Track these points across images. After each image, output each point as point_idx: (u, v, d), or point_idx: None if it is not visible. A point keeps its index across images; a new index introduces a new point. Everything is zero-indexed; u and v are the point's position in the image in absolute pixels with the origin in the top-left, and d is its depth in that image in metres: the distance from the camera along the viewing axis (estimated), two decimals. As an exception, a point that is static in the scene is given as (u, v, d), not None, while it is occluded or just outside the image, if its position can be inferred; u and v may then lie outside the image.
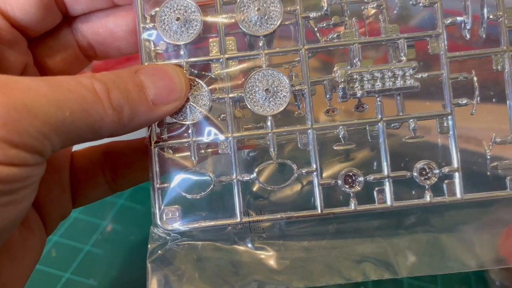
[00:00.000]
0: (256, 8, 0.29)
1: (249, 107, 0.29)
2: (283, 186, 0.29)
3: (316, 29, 0.30)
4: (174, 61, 0.29)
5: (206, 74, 0.30)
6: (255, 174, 0.29)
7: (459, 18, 0.29)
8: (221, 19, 0.29)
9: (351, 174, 0.29)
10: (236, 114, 0.29)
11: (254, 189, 0.32)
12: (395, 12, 0.31)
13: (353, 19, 0.29)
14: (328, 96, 0.30)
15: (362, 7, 0.30)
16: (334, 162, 0.31)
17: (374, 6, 0.30)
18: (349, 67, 0.29)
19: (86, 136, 0.24)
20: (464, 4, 0.29)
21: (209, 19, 0.29)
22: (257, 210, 0.30)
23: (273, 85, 0.29)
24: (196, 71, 0.30)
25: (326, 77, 0.30)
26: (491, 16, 0.29)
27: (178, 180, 0.29)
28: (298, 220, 0.29)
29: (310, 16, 0.29)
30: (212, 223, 0.29)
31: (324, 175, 0.30)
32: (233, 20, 0.29)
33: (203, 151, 0.30)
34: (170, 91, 0.27)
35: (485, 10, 0.29)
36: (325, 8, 0.29)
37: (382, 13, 0.30)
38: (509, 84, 0.29)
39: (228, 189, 0.29)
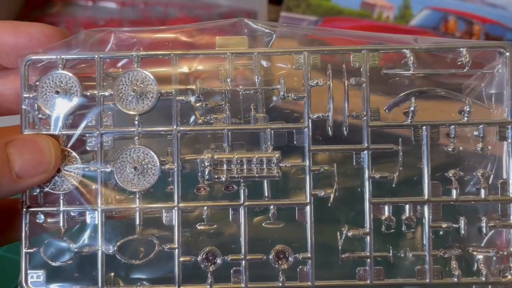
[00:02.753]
0: (132, 89, 0.30)
1: (118, 182, 0.30)
2: (146, 259, 0.31)
3: (195, 109, 0.32)
4: (51, 131, 0.31)
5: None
6: (115, 248, 0.30)
7: (322, 114, 0.31)
8: (100, 93, 0.31)
9: (210, 254, 0.31)
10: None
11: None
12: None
13: (226, 105, 0.31)
14: (200, 174, 0.31)
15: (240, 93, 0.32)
16: (201, 237, 0.33)
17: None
18: (217, 151, 0.31)
19: None
20: (328, 102, 0.31)
21: (89, 92, 0.31)
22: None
23: (143, 162, 0.30)
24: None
25: (197, 156, 0.31)
26: (354, 115, 0.31)
27: (46, 245, 0.30)
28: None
29: (185, 99, 0.31)
30: (73, 290, 0.31)
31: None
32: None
33: (76, 217, 0.31)
34: (38, 163, 0.29)
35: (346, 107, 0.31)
36: (197, 94, 0.31)
37: (258, 101, 0.31)
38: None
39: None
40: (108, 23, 0.64)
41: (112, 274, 0.32)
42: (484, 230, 0.31)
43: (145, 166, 0.30)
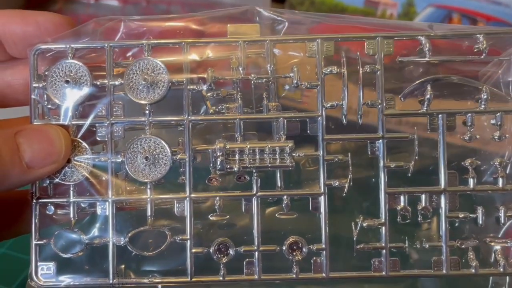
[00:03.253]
0: (143, 78, 0.30)
1: (129, 173, 0.30)
2: (157, 251, 0.30)
3: (206, 99, 0.31)
4: (60, 122, 0.30)
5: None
6: (127, 239, 0.30)
7: (336, 103, 0.30)
8: (110, 83, 0.30)
9: (222, 246, 0.30)
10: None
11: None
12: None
13: (238, 94, 0.31)
14: (211, 165, 0.31)
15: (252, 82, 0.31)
16: (213, 229, 0.32)
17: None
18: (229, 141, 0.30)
19: None
20: (343, 90, 0.30)
21: (99, 82, 0.30)
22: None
23: (154, 153, 0.30)
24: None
25: (209, 146, 0.31)
26: (369, 103, 0.30)
27: (56, 236, 0.30)
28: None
29: (196, 88, 0.30)
30: (83, 282, 0.30)
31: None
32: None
33: (87, 209, 0.31)
34: (48, 154, 0.28)
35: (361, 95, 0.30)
36: (209, 83, 0.30)
37: (271, 90, 0.31)
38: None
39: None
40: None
41: (123, 266, 0.31)
42: (502, 220, 0.30)
43: (157, 156, 0.30)
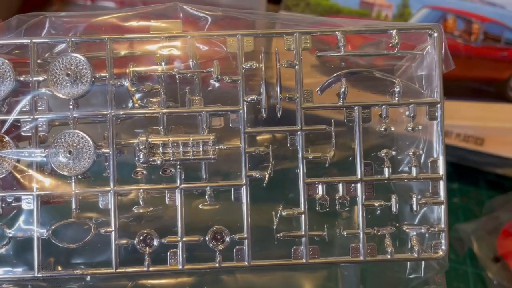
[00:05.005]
0: (65, 73, 0.30)
1: (53, 167, 0.30)
2: (81, 243, 0.31)
3: (132, 94, 0.32)
4: (-16, 117, 0.30)
5: None
6: (50, 232, 0.30)
7: (257, 97, 0.31)
8: (34, 78, 0.31)
9: (148, 237, 0.31)
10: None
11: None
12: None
13: (162, 89, 0.31)
14: (136, 158, 0.32)
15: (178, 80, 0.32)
16: (143, 221, 0.33)
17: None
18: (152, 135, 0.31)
19: None
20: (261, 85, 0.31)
21: (23, 77, 0.31)
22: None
23: (78, 146, 0.30)
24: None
25: (133, 140, 0.31)
26: (287, 97, 0.31)
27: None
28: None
29: (118, 83, 0.31)
30: (9, 275, 0.30)
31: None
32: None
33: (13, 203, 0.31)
34: (-33, 149, 0.29)
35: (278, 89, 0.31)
36: (130, 78, 0.31)
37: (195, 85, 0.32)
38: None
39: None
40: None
41: (52, 259, 0.32)
42: (414, 207, 0.31)
43: (80, 150, 0.30)
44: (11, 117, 0.31)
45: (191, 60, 0.31)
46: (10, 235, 0.30)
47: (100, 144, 0.31)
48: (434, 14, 0.58)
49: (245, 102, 0.31)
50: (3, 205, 0.31)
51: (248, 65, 0.31)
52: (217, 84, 0.32)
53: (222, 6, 0.65)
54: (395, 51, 0.31)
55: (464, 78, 0.54)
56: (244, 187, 0.31)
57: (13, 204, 0.31)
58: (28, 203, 0.31)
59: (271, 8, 0.64)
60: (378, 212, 0.33)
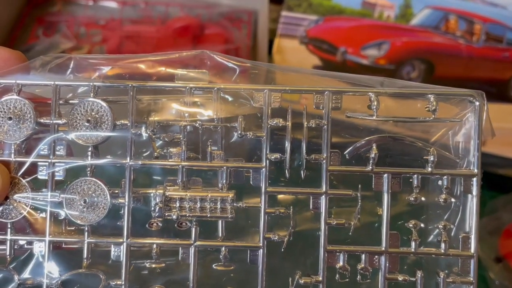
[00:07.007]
0: (86, 119, 0.29)
1: (68, 215, 0.30)
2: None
3: (153, 140, 0.31)
4: (3, 158, 0.30)
5: None
6: (59, 282, 0.30)
7: (281, 155, 0.30)
8: (54, 121, 0.30)
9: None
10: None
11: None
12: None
13: (183, 139, 0.30)
14: (152, 209, 0.31)
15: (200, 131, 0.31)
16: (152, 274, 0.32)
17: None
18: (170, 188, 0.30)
19: None
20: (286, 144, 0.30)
21: (43, 120, 0.30)
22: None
23: (93, 195, 0.30)
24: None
25: (150, 190, 0.30)
26: (313, 158, 0.30)
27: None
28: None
29: (139, 132, 0.30)
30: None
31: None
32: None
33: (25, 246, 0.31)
34: (-16, 191, 0.28)
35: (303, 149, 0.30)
36: (152, 128, 0.30)
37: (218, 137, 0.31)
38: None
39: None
40: (109, 22, 0.64)
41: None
42: (441, 286, 0.29)
43: (95, 198, 0.30)
44: (29, 160, 0.30)
45: (214, 113, 0.30)
46: (19, 282, 0.30)
47: (116, 191, 0.30)
48: (436, 15, 0.58)
49: (267, 160, 0.30)
50: (16, 247, 0.30)
51: (274, 122, 0.30)
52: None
53: (224, 7, 0.65)
54: (432, 118, 0.29)
55: (465, 79, 0.53)
56: (261, 250, 0.30)
57: (25, 247, 0.31)
58: (40, 247, 0.30)
59: (273, 8, 0.63)
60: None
